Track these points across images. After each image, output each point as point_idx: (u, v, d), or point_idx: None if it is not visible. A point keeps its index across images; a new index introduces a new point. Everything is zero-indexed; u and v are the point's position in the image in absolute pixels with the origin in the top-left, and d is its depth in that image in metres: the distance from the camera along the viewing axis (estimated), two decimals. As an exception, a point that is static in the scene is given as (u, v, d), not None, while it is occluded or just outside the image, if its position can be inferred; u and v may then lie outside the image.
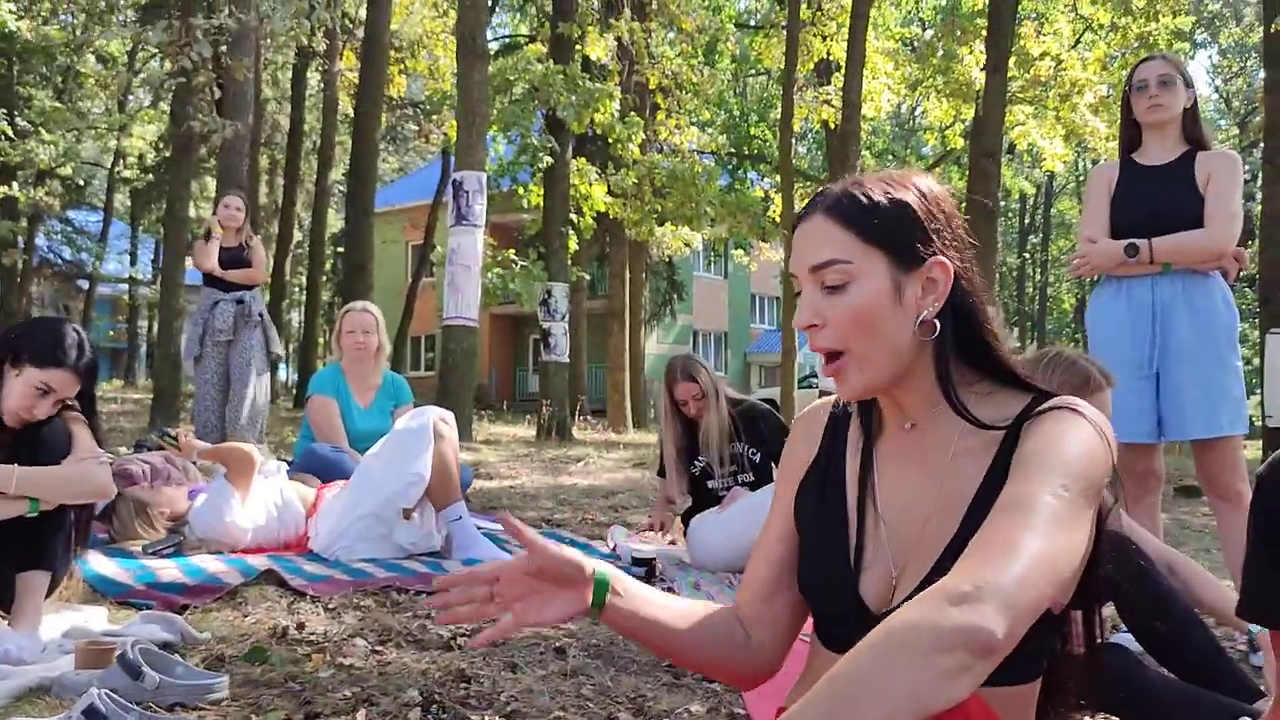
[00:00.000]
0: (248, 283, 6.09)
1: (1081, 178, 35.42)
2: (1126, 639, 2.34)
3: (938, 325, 1.15)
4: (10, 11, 14.42)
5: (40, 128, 18.54)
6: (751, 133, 26.68)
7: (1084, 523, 1.03)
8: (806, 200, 1.23)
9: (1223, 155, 3.05)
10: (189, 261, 8.01)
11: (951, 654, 0.86)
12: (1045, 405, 1.13)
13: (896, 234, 1.14)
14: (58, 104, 19.54)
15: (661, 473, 4.17)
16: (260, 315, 6.10)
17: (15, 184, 20.45)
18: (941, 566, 1.10)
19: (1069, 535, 1.00)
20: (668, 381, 3.97)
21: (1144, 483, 3.04)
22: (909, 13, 23.21)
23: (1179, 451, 9.77)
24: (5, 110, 19.20)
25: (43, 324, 2.50)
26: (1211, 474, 2.99)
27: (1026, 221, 38.57)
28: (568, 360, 13.82)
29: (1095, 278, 3.25)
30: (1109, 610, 2.58)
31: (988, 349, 1.18)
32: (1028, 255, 38.32)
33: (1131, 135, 3.16)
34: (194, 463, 3.82)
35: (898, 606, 1.13)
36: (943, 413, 1.18)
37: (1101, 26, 17.10)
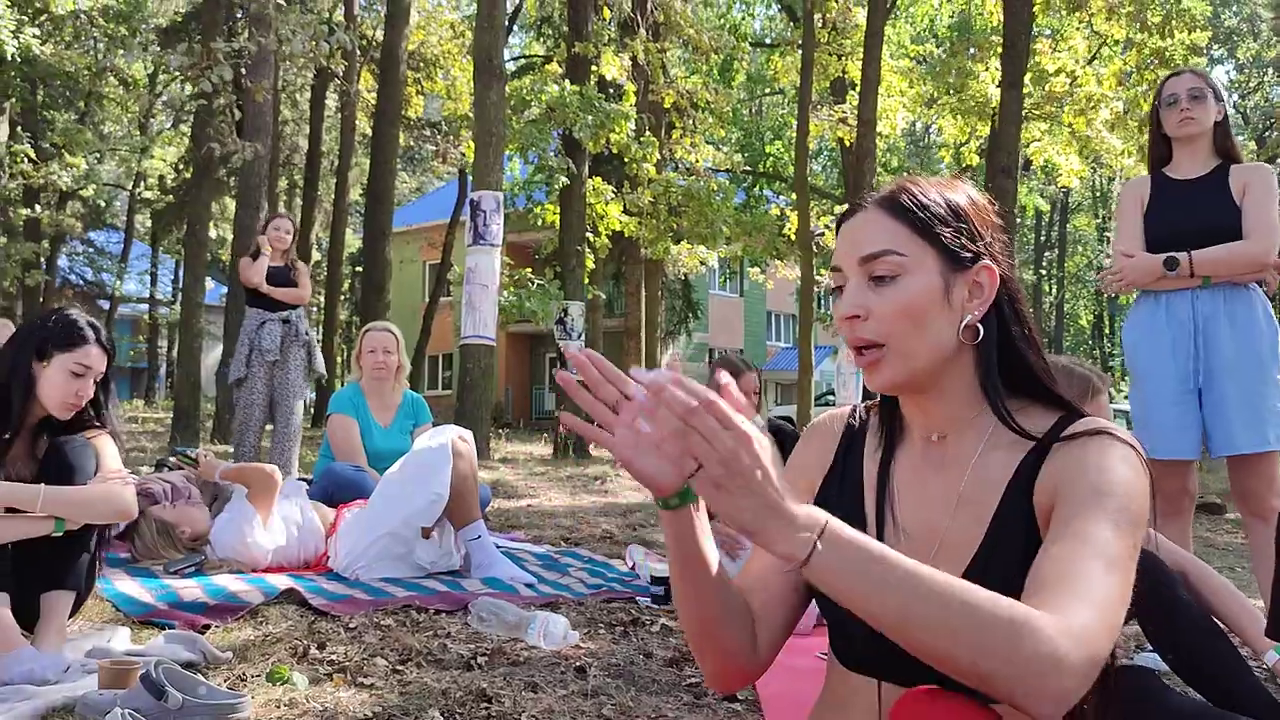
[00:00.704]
0: (294, 302, 6.14)
1: (1098, 194, 35.31)
2: (1151, 659, 2.31)
3: (981, 330, 1.15)
4: (34, 36, 14.63)
5: (63, 150, 18.80)
6: (767, 151, 26.79)
7: (1135, 561, 1.03)
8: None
9: (1257, 167, 3.03)
10: (209, 282, 8.08)
11: (1037, 680, 0.88)
12: (1082, 428, 1.11)
13: (949, 233, 1.14)
14: (80, 127, 19.80)
15: None
16: (306, 333, 6.15)
17: (38, 206, 20.74)
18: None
19: (1131, 580, 1.00)
20: (730, 373, 3.90)
21: (1177, 501, 3.00)
22: (923, 29, 23.26)
23: (1201, 469, 9.68)
24: (29, 133, 19.49)
25: (50, 315, 2.51)
26: (1247, 490, 2.94)
27: (1042, 238, 38.44)
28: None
29: (1119, 294, 3.22)
30: (1133, 628, 2.56)
31: (1022, 361, 1.17)
32: (1044, 271, 38.16)
33: (1161, 150, 3.14)
34: (216, 481, 3.84)
35: None
36: (971, 424, 1.17)
37: (1117, 42, 17.07)
